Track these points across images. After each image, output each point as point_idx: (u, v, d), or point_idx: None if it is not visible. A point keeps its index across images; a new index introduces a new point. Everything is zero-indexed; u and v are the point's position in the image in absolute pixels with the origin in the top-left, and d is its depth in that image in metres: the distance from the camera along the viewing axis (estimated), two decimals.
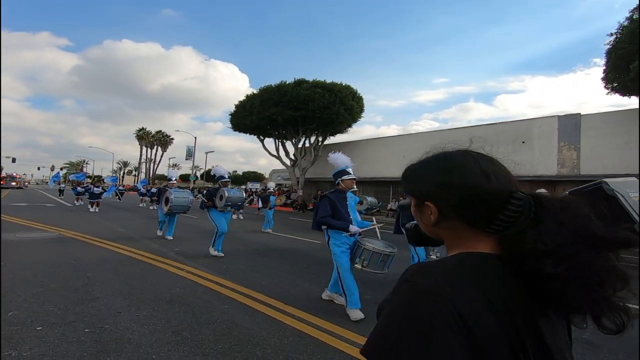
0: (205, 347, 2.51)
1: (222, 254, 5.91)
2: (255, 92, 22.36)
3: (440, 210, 0.62)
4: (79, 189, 17.11)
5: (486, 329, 0.53)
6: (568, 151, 15.03)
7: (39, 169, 72.08)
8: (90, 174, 66.66)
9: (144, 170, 62.39)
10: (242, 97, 21.92)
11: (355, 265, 3.38)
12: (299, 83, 20.36)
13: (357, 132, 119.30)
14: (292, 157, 24.67)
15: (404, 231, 4.18)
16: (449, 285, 0.56)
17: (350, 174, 3.70)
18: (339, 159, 3.75)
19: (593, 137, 14.38)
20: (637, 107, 13.32)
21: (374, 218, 4.06)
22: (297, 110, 19.93)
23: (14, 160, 42.68)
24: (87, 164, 74.28)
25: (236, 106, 23.57)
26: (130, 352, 2.37)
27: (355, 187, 8.09)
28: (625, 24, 10.66)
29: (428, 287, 0.55)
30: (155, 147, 61.26)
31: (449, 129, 19.95)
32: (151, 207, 16.81)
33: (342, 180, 3.66)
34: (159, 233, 8.09)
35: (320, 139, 23.79)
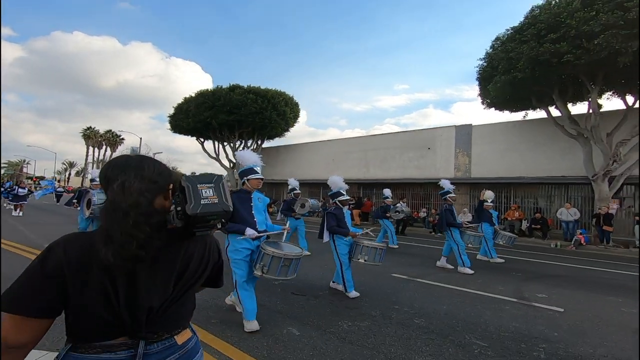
0: None
1: None
2: (192, 95, 22.95)
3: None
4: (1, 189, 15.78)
5: (78, 269, 0.85)
6: (462, 157, 17.14)
7: None
8: (31, 175, 63.03)
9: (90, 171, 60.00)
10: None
11: (255, 272, 3.23)
12: (233, 88, 21.29)
13: (321, 135, 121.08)
14: (233, 160, 25.45)
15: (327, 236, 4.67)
16: (64, 243, 0.89)
17: (258, 173, 3.47)
18: (246, 157, 3.56)
19: (481, 144, 16.56)
20: (513, 120, 15.61)
21: (287, 222, 4.35)
22: (230, 115, 20.83)
23: None
24: (28, 164, 70.06)
25: (175, 108, 24.04)
26: None
27: (298, 189, 8.36)
28: (489, 51, 12.64)
29: (51, 244, 0.86)
30: (104, 147, 59.24)
31: (370, 135, 21.66)
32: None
33: (247, 180, 3.44)
34: None
35: (258, 142, 24.77)
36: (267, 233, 3.40)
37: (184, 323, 1.08)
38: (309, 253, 6.90)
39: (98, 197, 7.14)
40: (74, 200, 7.62)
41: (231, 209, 1.04)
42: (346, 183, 5.15)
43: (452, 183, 16.48)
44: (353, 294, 4.41)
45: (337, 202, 4.78)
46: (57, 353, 0.96)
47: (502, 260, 7.60)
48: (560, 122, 12.67)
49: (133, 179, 0.95)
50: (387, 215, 9.86)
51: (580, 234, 11.57)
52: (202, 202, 0.98)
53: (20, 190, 13.75)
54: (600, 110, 11.87)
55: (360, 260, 4.46)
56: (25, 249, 6.55)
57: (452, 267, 6.48)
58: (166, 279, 0.98)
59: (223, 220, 1.03)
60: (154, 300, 0.95)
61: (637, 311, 4.07)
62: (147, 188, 0.95)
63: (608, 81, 10.99)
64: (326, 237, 4.68)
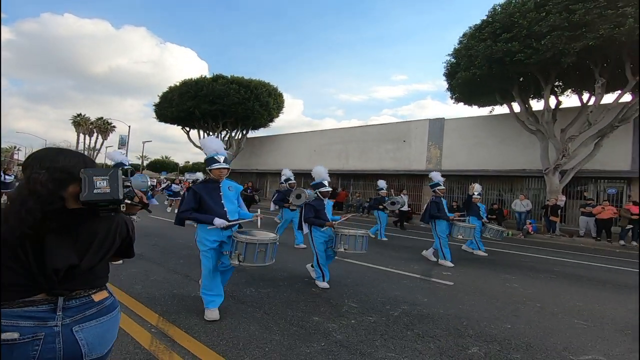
0: None
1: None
2: (177, 84, 23.22)
3: None
4: None
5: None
6: (434, 150, 17.70)
7: None
8: (22, 162, 62.88)
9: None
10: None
11: (231, 262, 3.17)
12: (216, 79, 21.61)
13: (316, 125, 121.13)
14: None
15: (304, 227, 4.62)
16: None
17: (219, 162, 3.30)
18: (208, 144, 3.40)
19: (452, 138, 17.11)
20: (482, 115, 16.14)
21: (259, 210, 3.85)
22: (213, 105, 21.19)
23: None
24: (19, 150, 69.80)
25: (159, 97, 24.32)
26: None
27: (293, 179, 7.85)
28: (457, 46, 13.07)
29: None
30: (95, 134, 59.14)
31: (350, 127, 22.13)
32: None
33: (210, 170, 3.34)
34: None
35: (243, 132, 25.15)
36: (239, 222, 3.31)
37: (100, 284, 1.28)
38: (304, 246, 6.76)
39: None
40: None
41: (120, 198, 1.17)
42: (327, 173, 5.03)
43: (422, 175, 16.98)
44: (322, 284, 4.41)
45: (317, 192, 4.73)
46: None
47: (486, 254, 7.51)
48: (521, 118, 13.22)
49: (42, 170, 1.09)
50: (382, 207, 9.60)
51: (529, 223, 12.24)
52: (95, 191, 1.12)
53: (6, 177, 13.46)
54: (560, 107, 12.44)
55: (340, 249, 4.43)
56: None
57: (435, 260, 6.42)
58: (71, 248, 1.16)
59: (117, 206, 1.18)
60: (59, 263, 1.12)
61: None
62: (54, 179, 1.11)
63: (563, 79, 11.50)
64: (306, 228, 4.65)
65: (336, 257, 4.95)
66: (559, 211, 12.05)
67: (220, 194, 3.35)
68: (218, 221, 3.15)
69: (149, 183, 5.38)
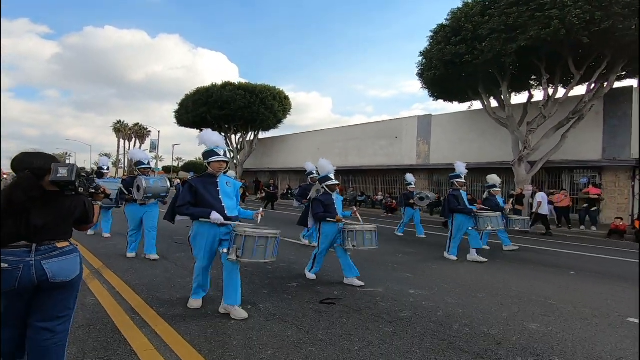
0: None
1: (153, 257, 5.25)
2: (192, 91, 25.66)
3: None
4: None
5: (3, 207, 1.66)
6: (423, 145, 18.60)
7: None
8: None
9: (124, 162, 65.45)
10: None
11: (229, 257, 3.07)
12: (224, 85, 23.77)
13: (346, 122, 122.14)
14: (233, 150, 28.12)
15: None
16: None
17: (219, 155, 3.30)
18: (207, 137, 3.36)
19: (439, 133, 17.95)
20: (463, 111, 16.84)
21: (261, 208, 3.75)
22: (222, 110, 23.35)
23: None
24: (69, 156, 77.15)
25: (178, 104, 26.92)
26: None
27: (316, 173, 6.35)
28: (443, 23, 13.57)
29: None
30: (134, 139, 64.36)
31: (350, 126, 23.41)
32: None
33: (209, 163, 3.32)
34: (106, 235, 6.94)
35: (254, 133, 27.17)
36: (235, 222, 3.26)
37: (63, 238, 1.96)
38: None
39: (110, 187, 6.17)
40: None
41: (73, 180, 1.84)
42: None
43: (412, 169, 18.02)
44: (310, 275, 4.52)
45: (325, 187, 4.59)
46: None
47: (516, 247, 7.22)
48: (492, 113, 13.92)
49: (25, 169, 1.79)
50: (411, 202, 9.21)
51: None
52: (58, 175, 1.81)
53: None
54: (519, 103, 13.07)
55: (349, 247, 4.26)
56: None
57: (486, 260, 5.99)
58: (48, 214, 1.86)
59: (74, 187, 1.89)
60: (42, 222, 1.82)
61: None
62: (34, 174, 1.79)
63: (519, 76, 12.18)
64: (310, 223, 4.61)
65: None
66: (524, 200, 12.71)
67: (218, 189, 3.29)
68: (215, 215, 3.11)
69: (169, 185, 5.44)
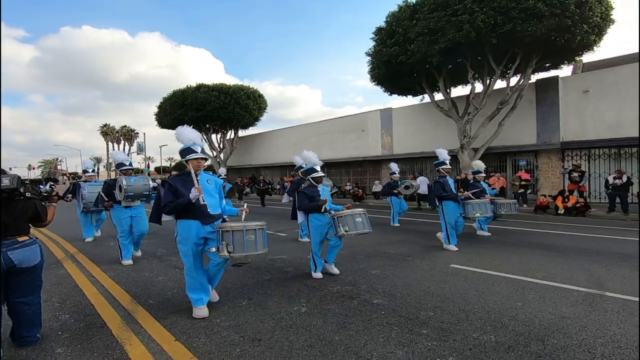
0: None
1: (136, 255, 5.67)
2: (169, 94, 26.79)
3: None
4: None
5: None
6: (387, 137, 19.92)
7: (10, 169, 74.79)
8: (65, 172, 70.84)
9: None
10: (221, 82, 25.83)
11: (220, 254, 3.08)
12: (199, 87, 24.94)
13: (336, 113, 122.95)
14: (213, 150, 29.38)
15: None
16: None
17: (197, 152, 3.28)
18: (184, 134, 3.32)
19: (399, 125, 19.26)
20: (418, 104, 18.12)
21: (245, 204, 3.70)
22: (198, 111, 24.55)
23: None
24: (60, 161, 78.16)
25: (157, 107, 28.07)
26: None
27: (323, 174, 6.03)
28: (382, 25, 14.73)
29: None
30: (122, 142, 65.35)
31: (320, 121, 24.65)
32: None
33: (187, 161, 3.31)
34: (89, 239, 7.23)
35: (233, 132, 28.38)
36: (222, 216, 3.39)
37: (22, 233, 2.67)
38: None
39: (89, 192, 6.86)
40: (69, 195, 7.39)
41: (16, 187, 2.55)
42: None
43: (379, 160, 19.24)
44: (316, 274, 4.47)
45: (310, 179, 4.56)
46: None
47: (489, 234, 7.38)
48: (440, 106, 15.24)
49: None
50: (395, 191, 9.34)
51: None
52: (3, 185, 2.49)
53: (40, 186, 18.02)
54: (457, 95, 14.38)
55: (341, 233, 4.21)
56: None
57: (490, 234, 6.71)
58: (10, 214, 2.58)
59: (19, 192, 2.61)
60: (6, 221, 2.56)
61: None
62: None
63: (454, 72, 13.47)
64: (300, 217, 4.60)
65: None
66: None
67: (200, 186, 3.25)
68: (193, 193, 3.11)
69: (152, 184, 5.55)
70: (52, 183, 2.97)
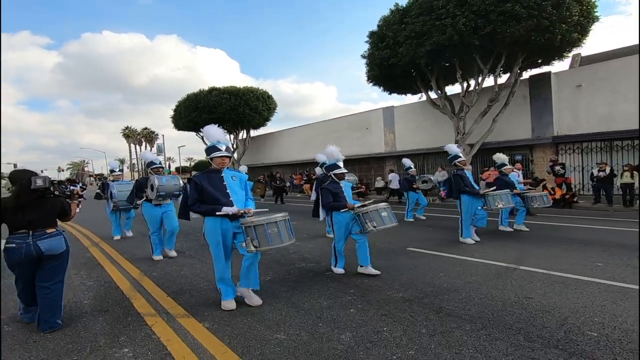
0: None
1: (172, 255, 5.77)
2: (184, 97, 28.27)
3: None
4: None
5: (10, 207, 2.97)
6: (389, 134, 20.58)
7: (42, 171, 78.81)
8: (91, 173, 74.52)
9: (139, 166, 69.29)
10: (234, 84, 27.15)
11: (248, 249, 3.17)
12: (211, 91, 26.25)
13: (353, 109, 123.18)
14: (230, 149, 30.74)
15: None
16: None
17: (221, 150, 3.41)
18: (210, 133, 3.48)
19: (402, 123, 19.89)
20: (418, 102, 18.69)
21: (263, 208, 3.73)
22: (211, 114, 25.86)
23: (15, 166, 50.06)
24: (87, 163, 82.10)
25: (173, 110, 29.64)
26: None
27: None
28: (374, 29, 15.39)
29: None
30: (144, 143, 68.11)
31: (328, 120, 25.54)
32: None
33: (211, 159, 3.43)
34: (117, 237, 7.51)
35: (245, 132, 29.64)
36: (245, 212, 3.37)
37: (50, 225, 3.07)
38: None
39: (118, 190, 7.19)
40: (99, 192, 8.01)
41: (47, 187, 2.96)
42: (312, 162, 5.53)
43: (382, 157, 19.97)
44: (337, 270, 4.48)
45: (332, 175, 4.54)
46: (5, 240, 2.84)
47: (511, 229, 7.13)
48: (437, 104, 15.83)
49: (19, 181, 2.94)
50: (414, 186, 9.33)
51: (442, 190, 14.99)
52: (37, 184, 2.89)
53: (71, 187, 19.50)
54: (451, 94, 14.92)
55: (369, 229, 4.18)
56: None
57: (476, 240, 6.16)
58: (39, 209, 3.00)
59: (49, 191, 2.99)
60: (33, 216, 2.97)
61: None
62: (23, 184, 2.90)
63: (447, 72, 14.04)
64: (322, 214, 4.58)
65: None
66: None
67: (224, 183, 3.38)
68: (226, 208, 3.20)
69: (181, 184, 5.66)
70: (71, 185, 3.46)
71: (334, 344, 2.69)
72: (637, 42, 14.86)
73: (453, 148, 6.43)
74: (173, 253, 5.79)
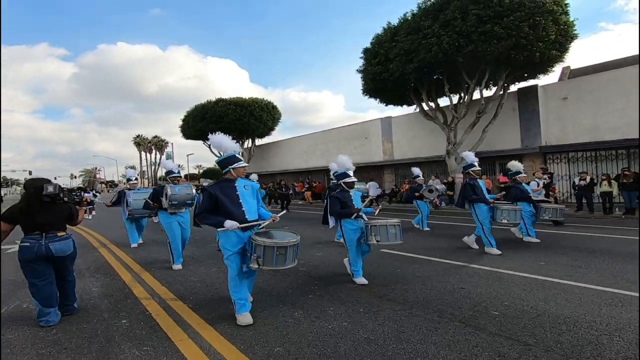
0: None
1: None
2: (192, 108, 29.45)
3: None
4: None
5: (25, 212, 3.39)
6: (387, 143, 21.31)
7: (55, 178, 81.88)
8: (103, 180, 76.51)
9: (149, 173, 70.93)
10: (243, 93, 28.48)
11: (251, 265, 3.20)
12: (217, 102, 27.40)
13: (361, 117, 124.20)
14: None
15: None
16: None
17: (242, 160, 3.48)
18: (226, 144, 3.46)
19: (399, 132, 20.62)
20: (414, 112, 19.41)
21: (283, 212, 3.95)
22: (217, 124, 26.92)
23: (30, 173, 52.02)
24: (99, 170, 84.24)
25: (182, 120, 30.85)
26: None
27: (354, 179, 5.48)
28: (368, 46, 16.32)
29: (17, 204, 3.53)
30: (154, 151, 69.83)
31: (328, 130, 26.35)
32: None
33: (233, 169, 3.41)
34: (134, 245, 7.60)
35: (251, 141, 30.66)
36: (255, 223, 3.40)
37: (60, 229, 3.47)
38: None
39: (134, 199, 7.26)
40: (114, 201, 8.14)
41: (57, 193, 3.35)
42: (313, 170, 5.96)
43: (380, 165, 20.68)
44: (360, 280, 4.41)
45: (342, 183, 4.61)
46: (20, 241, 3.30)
47: (538, 240, 6.76)
48: (430, 115, 16.54)
49: (31, 189, 3.37)
50: (418, 195, 9.29)
51: (437, 197, 15.62)
52: (48, 190, 3.27)
53: (85, 193, 17.70)
54: (442, 106, 15.64)
55: (372, 242, 4.24)
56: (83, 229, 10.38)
57: (477, 248, 6.20)
58: (49, 213, 3.40)
59: (59, 197, 3.37)
60: (44, 220, 3.36)
61: None
62: (36, 191, 3.31)
63: (438, 85, 14.78)
64: (332, 222, 4.60)
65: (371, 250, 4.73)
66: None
67: (237, 193, 3.41)
68: (228, 223, 3.20)
69: (194, 192, 5.78)
70: (83, 192, 4.53)
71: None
72: (631, 54, 15.40)
73: (470, 156, 6.37)
74: (178, 266, 5.58)
